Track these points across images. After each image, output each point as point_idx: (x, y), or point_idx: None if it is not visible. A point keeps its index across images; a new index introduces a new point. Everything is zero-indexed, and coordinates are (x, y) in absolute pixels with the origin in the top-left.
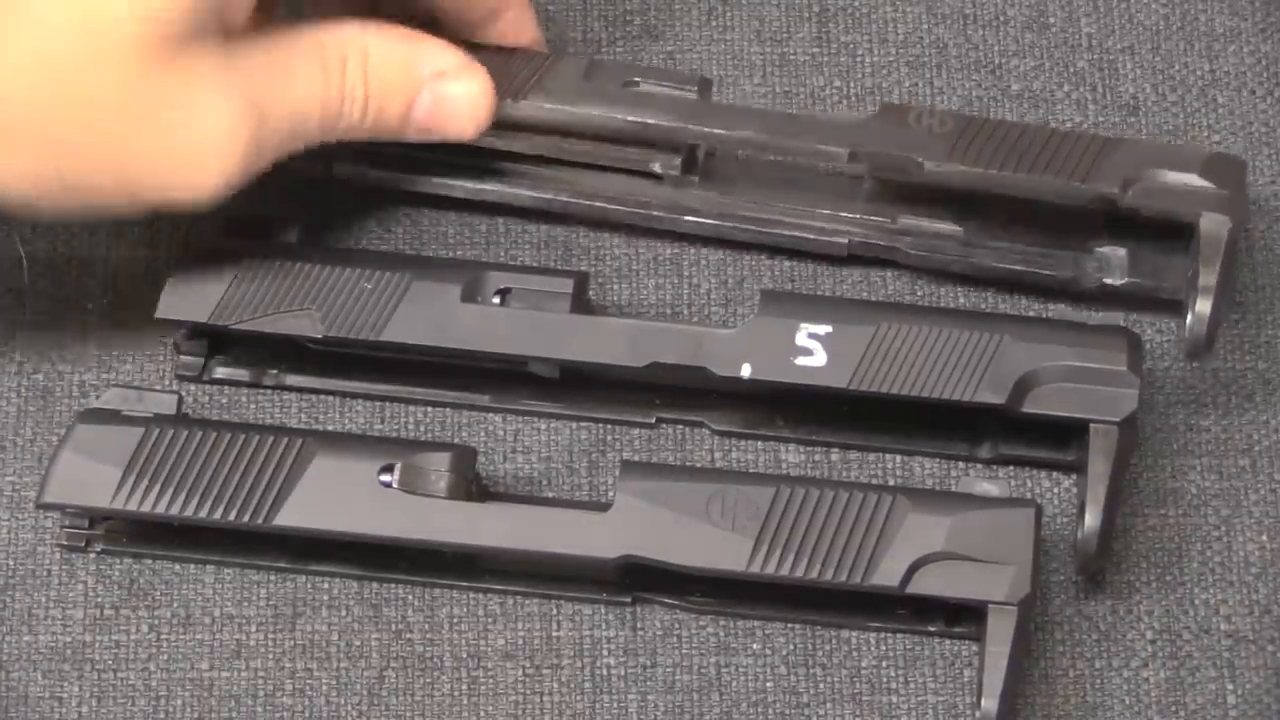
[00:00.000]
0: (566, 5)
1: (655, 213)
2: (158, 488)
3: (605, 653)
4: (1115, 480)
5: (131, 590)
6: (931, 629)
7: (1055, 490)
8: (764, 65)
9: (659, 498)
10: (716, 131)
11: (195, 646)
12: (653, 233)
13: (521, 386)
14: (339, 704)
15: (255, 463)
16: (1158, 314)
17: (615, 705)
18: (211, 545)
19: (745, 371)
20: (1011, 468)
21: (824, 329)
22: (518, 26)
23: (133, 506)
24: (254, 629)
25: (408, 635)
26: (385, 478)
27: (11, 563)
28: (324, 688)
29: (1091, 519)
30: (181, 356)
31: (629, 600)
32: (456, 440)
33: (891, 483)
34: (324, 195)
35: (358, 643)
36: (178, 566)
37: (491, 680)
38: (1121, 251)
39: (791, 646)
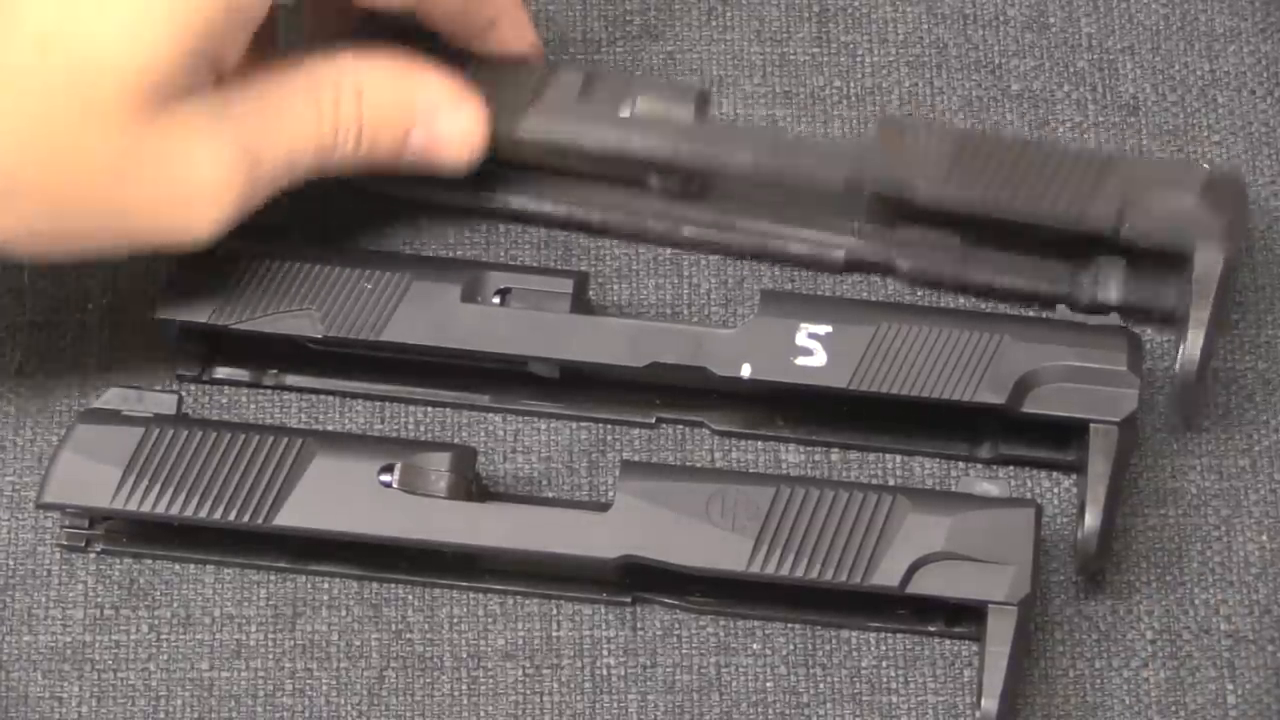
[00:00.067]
0: (566, 5)
1: (652, 225)
2: (158, 488)
3: (605, 653)
4: (1115, 480)
5: (131, 590)
6: (931, 629)
7: (1055, 490)
8: (764, 65)
9: (659, 498)
10: (711, 159)
11: (195, 646)
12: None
13: (521, 386)
14: (339, 704)
15: (255, 463)
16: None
17: (615, 705)
18: (211, 545)
19: (745, 371)
20: (1011, 468)
21: (824, 329)
22: (515, 34)
23: (133, 506)
24: (254, 629)
25: (408, 635)
26: (385, 478)
27: (11, 563)
28: (324, 688)
29: (1091, 519)
30: (181, 356)
31: (629, 600)
32: (456, 440)
33: (891, 483)
34: (324, 196)
35: (358, 643)
36: (178, 566)
37: (491, 680)
38: (1120, 265)
39: (791, 646)
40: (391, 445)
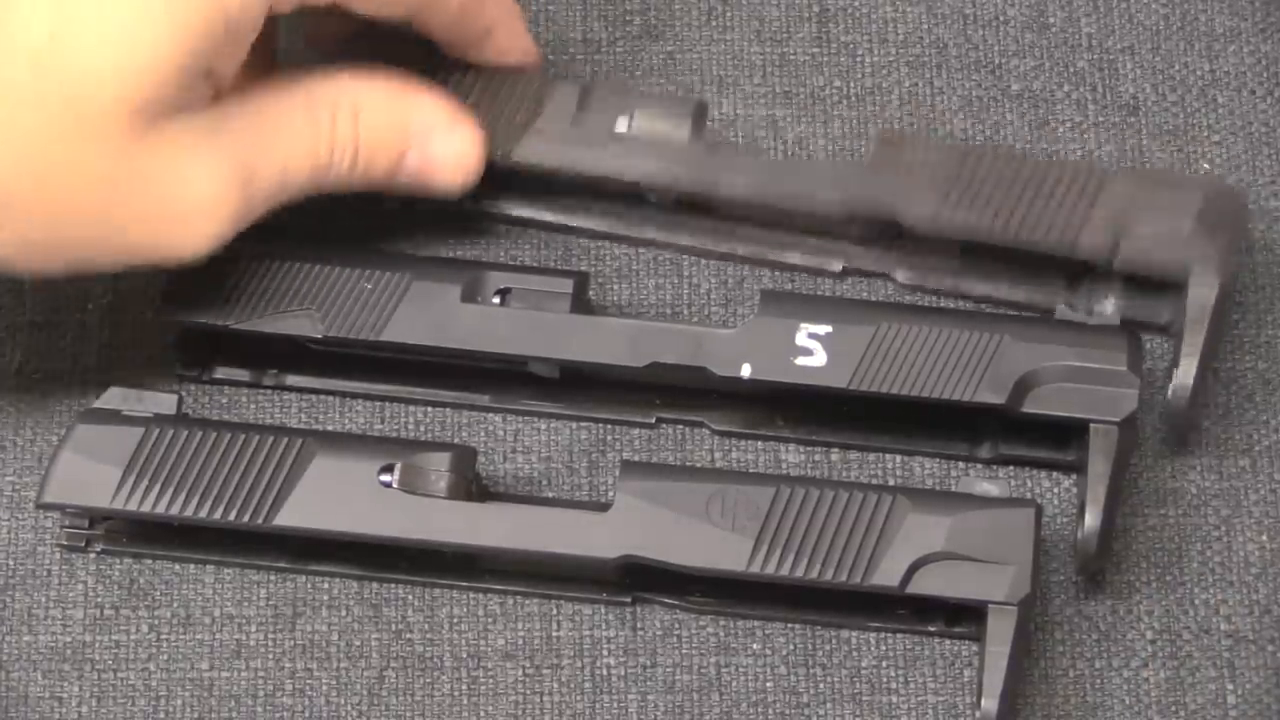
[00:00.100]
0: (566, 5)
1: (651, 235)
2: (158, 488)
3: (605, 653)
4: (1115, 480)
5: (131, 590)
6: (931, 629)
7: (1055, 490)
8: (764, 65)
9: (659, 498)
10: (706, 185)
11: (195, 646)
12: None
13: (521, 386)
14: (339, 704)
15: (255, 463)
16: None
17: (615, 705)
18: (211, 545)
19: (745, 371)
20: (1011, 468)
21: (824, 329)
22: (511, 43)
23: (133, 506)
24: (254, 629)
25: (408, 635)
26: (385, 478)
27: (11, 563)
28: (324, 688)
29: (1091, 519)
30: (181, 356)
31: (629, 600)
32: (456, 440)
33: (891, 483)
34: (324, 197)
35: (358, 643)
36: (178, 566)
37: (491, 680)
38: (1117, 278)
39: (791, 646)
40: (391, 445)
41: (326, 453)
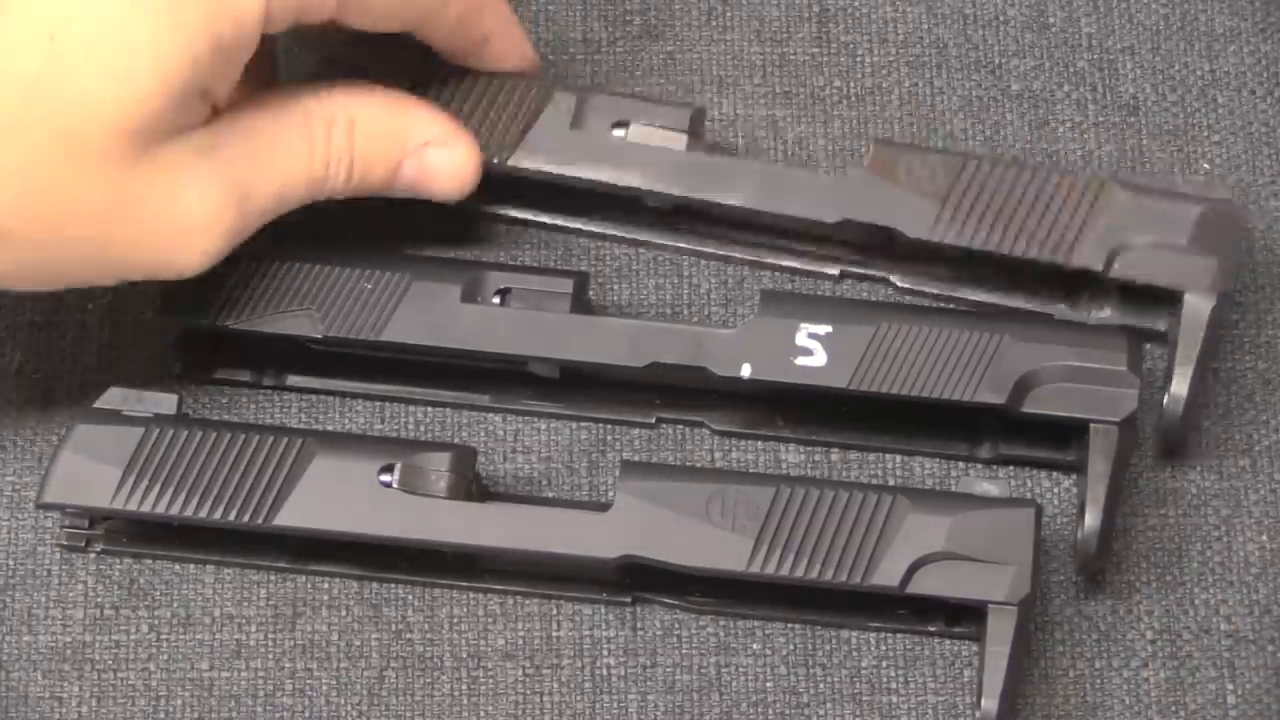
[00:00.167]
0: (566, 5)
1: (649, 239)
2: (158, 488)
3: (605, 653)
4: (1115, 480)
5: (131, 590)
6: (931, 629)
7: (1055, 490)
8: (764, 65)
9: (659, 498)
10: (701, 195)
11: (195, 646)
12: None
13: (521, 386)
14: (339, 704)
15: (255, 463)
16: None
17: (615, 705)
18: (211, 545)
19: (745, 371)
20: (1011, 468)
21: (824, 329)
22: (509, 50)
23: (133, 506)
24: (254, 629)
25: (408, 635)
26: (385, 478)
27: (11, 563)
28: (324, 688)
29: (1091, 519)
30: (181, 356)
31: (629, 600)
32: (456, 440)
33: (891, 483)
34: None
35: (358, 643)
36: (178, 566)
37: (491, 680)
38: (1113, 290)
39: (791, 646)
40: (391, 445)
41: (326, 453)
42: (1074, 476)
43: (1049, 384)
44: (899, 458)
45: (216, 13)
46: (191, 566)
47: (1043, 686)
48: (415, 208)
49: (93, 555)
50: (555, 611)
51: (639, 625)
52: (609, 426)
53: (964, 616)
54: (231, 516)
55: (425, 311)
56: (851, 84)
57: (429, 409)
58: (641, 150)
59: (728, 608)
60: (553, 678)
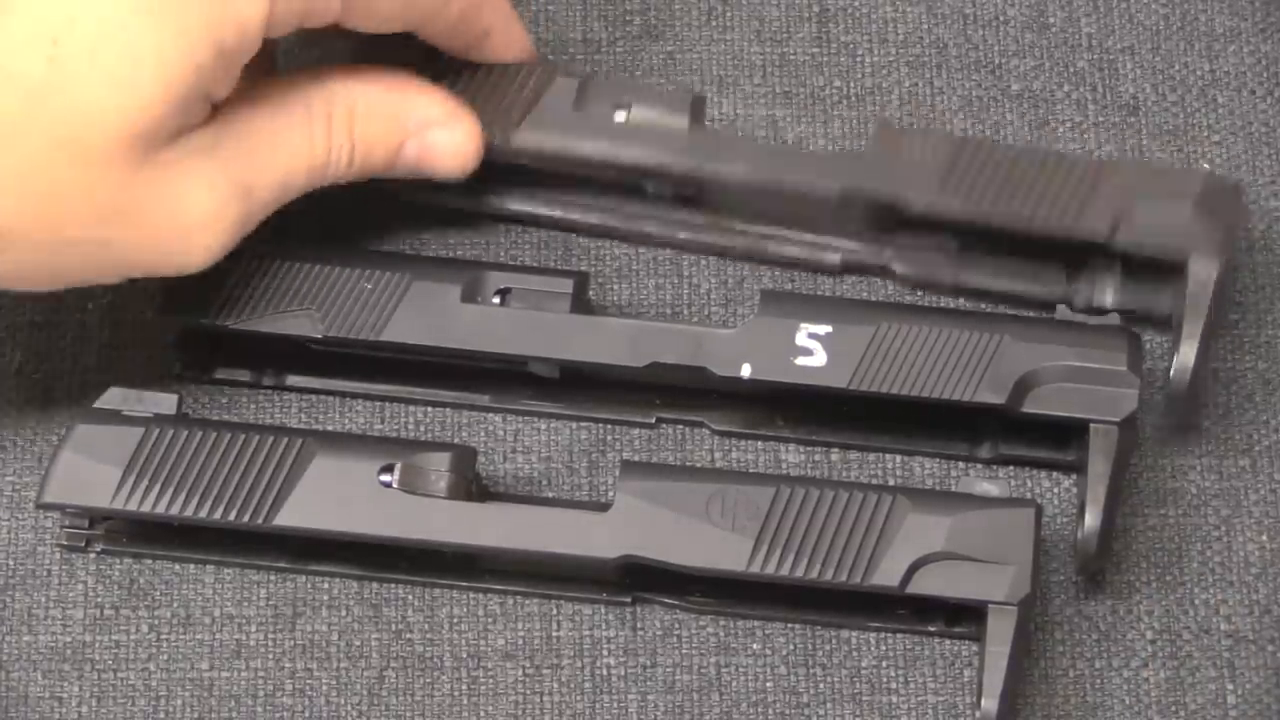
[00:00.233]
0: (566, 5)
1: (649, 230)
2: (158, 488)
3: (605, 653)
4: (1115, 480)
5: (131, 590)
6: (931, 629)
7: (1055, 490)
8: (764, 65)
9: (659, 498)
10: (705, 171)
11: (195, 646)
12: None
13: (521, 386)
14: (339, 704)
15: (255, 463)
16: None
17: (615, 705)
18: (211, 545)
19: (745, 371)
20: (1011, 468)
21: (824, 329)
22: (509, 44)
23: (133, 506)
24: (254, 629)
25: (408, 635)
26: (385, 478)
27: (11, 563)
28: (324, 688)
29: (1091, 519)
30: (181, 356)
31: (629, 600)
32: (456, 440)
33: (891, 483)
34: (324, 196)
35: (358, 643)
36: (178, 566)
37: (491, 680)
38: (1116, 269)
39: (791, 646)
40: (391, 445)
41: (326, 453)
42: (1074, 476)
43: (1049, 384)
44: (899, 458)
45: (219, 19)
46: (191, 566)
47: (1043, 686)
48: (415, 206)
49: (93, 555)
50: (555, 611)
51: (639, 625)
52: (609, 426)
53: (964, 616)
54: (231, 516)
55: (425, 311)
56: (851, 84)
57: (429, 409)
58: (643, 129)
59: (728, 608)
60: (553, 678)
